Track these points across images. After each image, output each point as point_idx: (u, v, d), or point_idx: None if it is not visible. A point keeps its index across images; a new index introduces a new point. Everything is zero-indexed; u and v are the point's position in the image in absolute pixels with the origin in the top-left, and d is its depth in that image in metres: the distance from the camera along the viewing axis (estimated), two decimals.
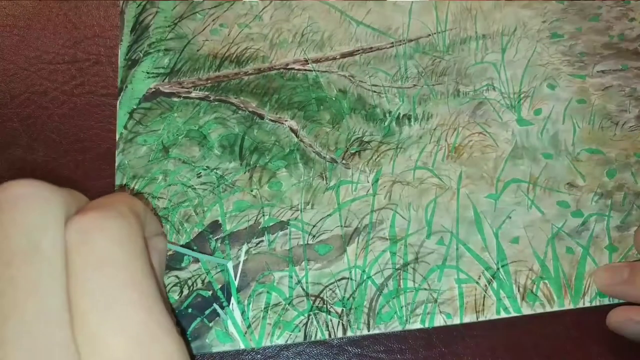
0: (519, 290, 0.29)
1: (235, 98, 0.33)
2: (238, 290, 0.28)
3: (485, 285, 0.29)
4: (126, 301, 0.15)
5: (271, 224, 0.30)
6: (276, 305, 0.28)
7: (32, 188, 0.16)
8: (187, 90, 0.33)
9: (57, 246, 0.15)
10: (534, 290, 0.29)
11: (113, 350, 0.14)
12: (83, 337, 0.15)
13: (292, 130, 0.32)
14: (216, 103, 0.33)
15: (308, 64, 0.34)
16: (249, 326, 0.27)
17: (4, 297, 0.14)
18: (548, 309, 0.28)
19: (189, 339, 0.27)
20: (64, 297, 0.15)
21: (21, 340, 0.14)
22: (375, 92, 0.34)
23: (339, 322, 0.28)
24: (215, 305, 0.27)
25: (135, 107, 0.32)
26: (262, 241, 0.29)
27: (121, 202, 0.18)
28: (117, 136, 0.31)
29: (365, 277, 0.29)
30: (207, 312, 0.27)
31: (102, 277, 0.15)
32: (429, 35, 0.36)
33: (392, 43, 0.35)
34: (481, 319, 0.28)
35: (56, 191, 0.16)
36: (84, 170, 0.31)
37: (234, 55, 0.34)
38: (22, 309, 0.14)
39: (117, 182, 0.30)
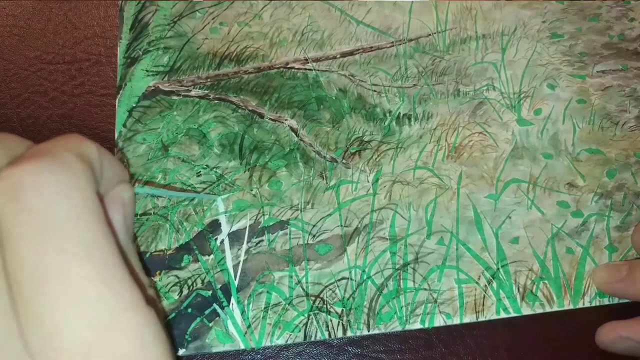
0: (518, 290, 0.29)
1: (235, 97, 0.33)
2: (238, 290, 0.28)
3: (485, 285, 0.29)
4: (76, 276, 0.12)
5: (271, 224, 0.29)
6: (276, 305, 0.28)
7: (55, 176, 0.13)
8: (186, 88, 0.33)
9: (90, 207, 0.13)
10: (534, 290, 0.29)
11: (68, 338, 0.12)
12: (30, 327, 0.12)
13: (292, 129, 0.32)
14: (216, 101, 0.32)
15: (308, 63, 0.34)
16: (249, 326, 0.27)
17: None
18: (548, 309, 0.28)
19: (189, 338, 0.27)
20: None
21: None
22: (375, 91, 0.34)
23: (339, 322, 0.27)
24: (215, 305, 0.27)
25: (134, 105, 0.32)
26: (262, 241, 0.29)
27: (66, 147, 0.14)
28: (116, 134, 0.31)
29: (365, 277, 0.28)
30: (207, 312, 0.27)
31: (42, 249, 0.12)
32: (429, 34, 0.36)
33: (392, 42, 0.35)
34: (481, 319, 0.28)
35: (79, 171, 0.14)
36: None
37: (234, 54, 0.34)
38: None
39: None
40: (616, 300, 0.29)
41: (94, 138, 0.32)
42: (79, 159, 0.14)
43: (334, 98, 0.33)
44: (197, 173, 0.30)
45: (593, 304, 0.29)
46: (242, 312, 0.27)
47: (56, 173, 0.13)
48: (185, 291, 0.28)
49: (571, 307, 0.29)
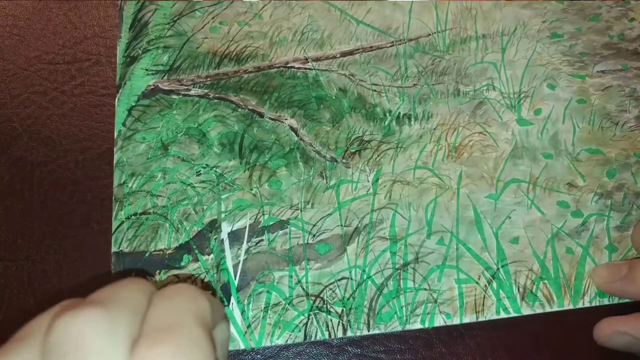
0: (518, 290, 0.29)
1: (235, 96, 0.33)
2: (238, 289, 0.28)
3: (485, 285, 0.29)
4: None
5: (271, 223, 0.29)
6: (276, 305, 0.27)
7: (90, 324, 0.15)
8: (186, 87, 0.33)
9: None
10: (534, 290, 0.29)
11: None
12: None
13: (292, 128, 0.32)
14: (216, 101, 0.32)
15: (308, 62, 0.34)
16: (248, 326, 0.27)
17: None
18: (548, 309, 0.28)
19: None
20: None
21: None
22: (375, 91, 0.33)
23: (339, 322, 0.27)
24: None
25: (134, 104, 0.32)
26: (262, 240, 0.29)
27: (189, 315, 0.16)
28: (116, 133, 0.31)
29: (365, 277, 0.28)
30: None
31: None
32: (429, 34, 0.36)
33: (392, 42, 0.35)
34: (481, 319, 0.28)
35: (115, 319, 0.15)
36: (83, 170, 0.31)
37: (234, 53, 0.34)
38: None
39: (116, 180, 0.30)
40: (616, 300, 0.29)
41: (93, 138, 0.32)
42: (203, 330, 0.16)
43: (334, 97, 0.33)
44: (196, 172, 0.30)
45: (593, 304, 0.29)
46: (242, 312, 0.27)
47: (191, 356, 0.15)
48: None
49: (571, 307, 0.29)
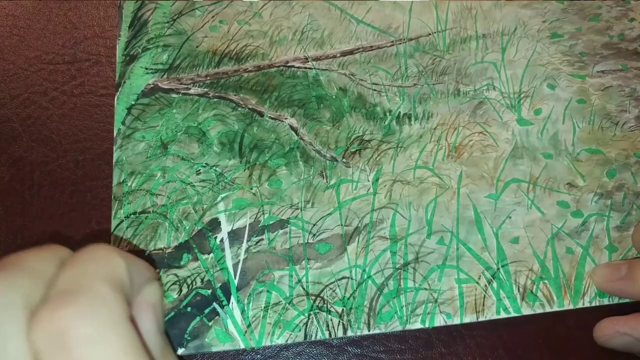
0: (518, 290, 0.29)
1: (235, 95, 0.33)
2: (238, 289, 0.28)
3: (486, 285, 0.29)
4: None
5: (271, 223, 0.29)
6: (276, 304, 0.27)
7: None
8: (186, 86, 0.32)
9: (20, 353, 0.14)
10: (534, 290, 0.29)
11: None
12: None
13: (292, 128, 0.32)
14: (215, 100, 0.32)
15: (308, 61, 0.34)
16: (248, 325, 0.27)
17: None
18: (548, 309, 0.28)
19: (188, 338, 0.26)
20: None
21: None
22: (375, 90, 0.33)
23: (339, 321, 0.27)
24: (215, 304, 0.27)
25: (133, 102, 0.32)
26: (262, 240, 0.29)
27: (98, 274, 0.15)
28: (115, 132, 0.31)
29: (365, 276, 0.28)
30: (206, 311, 0.27)
31: None
32: (429, 34, 0.36)
33: (393, 42, 0.35)
34: (481, 319, 0.28)
35: (12, 283, 0.15)
36: (83, 170, 0.31)
37: (234, 52, 0.34)
38: None
39: (115, 178, 0.30)
40: (616, 300, 0.29)
41: (93, 138, 0.32)
42: (113, 290, 0.15)
43: (334, 97, 0.33)
44: (196, 171, 0.30)
45: (593, 304, 0.29)
46: (242, 312, 0.27)
47: (96, 316, 0.14)
48: (184, 290, 0.27)
49: (571, 307, 0.29)
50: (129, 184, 0.30)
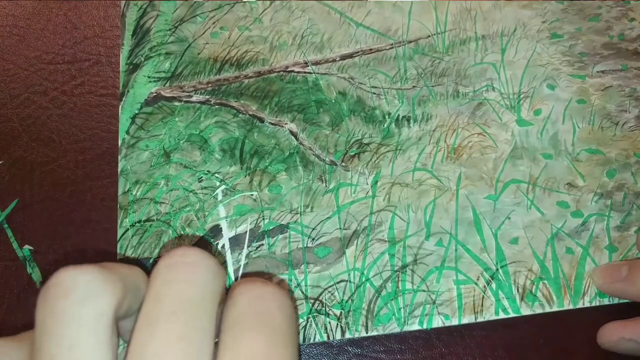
0: (518, 290, 0.29)
1: (236, 101, 0.33)
2: None
3: (484, 286, 0.29)
4: None
5: (271, 228, 0.30)
6: None
7: (202, 257, 0.16)
8: (188, 94, 0.33)
9: (212, 309, 0.15)
10: (533, 290, 0.29)
11: None
12: None
13: (291, 133, 0.32)
14: (217, 107, 0.33)
15: (308, 66, 0.34)
16: None
17: (154, 345, 0.14)
18: (547, 309, 0.29)
19: None
20: (209, 353, 0.15)
21: None
22: (374, 93, 0.34)
23: (337, 324, 0.28)
24: None
25: (137, 112, 0.32)
26: (262, 245, 0.29)
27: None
28: (120, 141, 0.32)
29: (364, 279, 0.29)
30: None
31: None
32: (429, 36, 0.36)
33: (392, 44, 0.35)
34: (480, 320, 0.28)
35: (221, 268, 0.16)
36: (83, 170, 0.31)
37: (234, 59, 0.34)
38: (169, 356, 0.14)
39: (120, 187, 0.30)
40: (616, 300, 0.29)
41: (93, 138, 0.32)
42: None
43: (333, 101, 0.33)
44: (198, 179, 0.31)
45: (593, 304, 0.29)
46: None
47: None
48: None
49: (571, 307, 0.29)
50: (134, 192, 0.30)
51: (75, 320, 0.14)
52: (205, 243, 0.29)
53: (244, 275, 0.29)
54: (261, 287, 0.17)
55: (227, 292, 0.17)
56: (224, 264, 0.29)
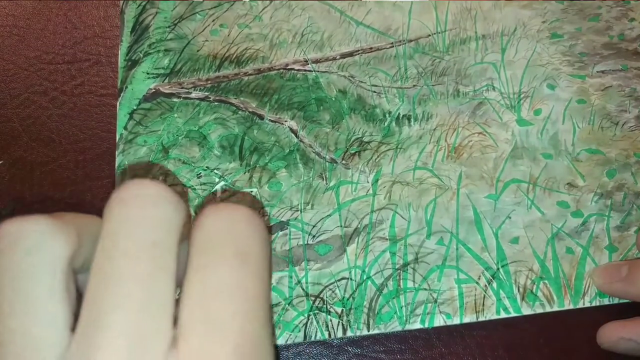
0: (518, 290, 0.29)
1: (235, 98, 0.33)
2: None
3: (485, 285, 0.29)
4: (250, 302, 0.14)
5: (271, 224, 0.30)
6: (276, 305, 0.28)
7: (165, 192, 0.15)
8: (187, 90, 0.33)
9: (173, 246, 0.15)
10: (534, 290, 0.29)
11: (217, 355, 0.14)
12: (197, 321, 0.14)
13: (291, 130, 0.32)
14: (216, 103, 0.33)
15: (308, 64, 0.34)
16: None
17: (114, 287, 0.13)
18: (548, 309, 0.29)
19: None
20: (171, 292, 0.14)
21: (124, 327, 0.13)
22: (375, 92, 0.34)
23: (338, 322, 0.28)
24: None
25: (135, 107, 0.32)
26: None
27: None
28: (117, 137, 0.31)
29: (365, 277, 0.29)
30: None
31: (239, 277, 0.14)
32: (429, 35, 0.36)
33: (392, 43, 0.35)
34: (481, 319, 0.28)
35: (181, 200, 0.15)
36: (83, 170, 0.31)
37: (234, 56, 0.34)
38: (129, 299, 0.13)
39: (117, 183, 0.30)
40: (616, 300, 0.29)
41: (94, 138, 0.32)
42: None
43: (333, 99, 0.33)
44: (197, 175, 0.31)
45: (593, 304, 0.29)
46: None
47: (257, 219, 0.16)
48: None
49: (571, 307, 0.29)
50: None
51: (25, 271, 0.14)
52: None
53: None
54: (230, 209, 0.15)
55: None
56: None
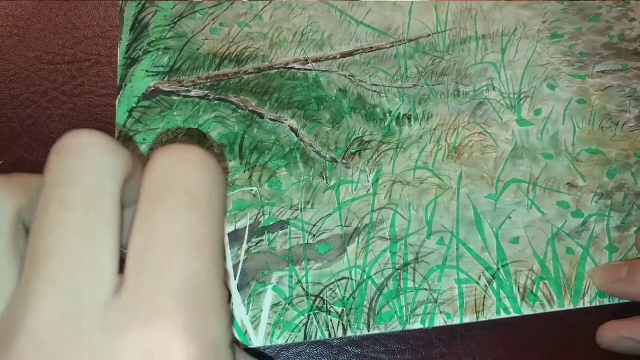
0: (518, 290, 0.29)
1: (235, 97, 0.33)
2: (238, 289, 0.28)
3: (485, 285, 0.29)
4: (198, 243, 0.14)
5: (271, 223, 0.29)
6: (276, 305, 0.28)
7: (102, 139, 0.14)
8: (186, 88, 0.33)
9: (112, 194, 0.14)
10: (534, 290, 0.29)
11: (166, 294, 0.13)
12: (142, 261, 0.13)
13: (292, 129, 0.32)
14: (216, 102, 0.32)
15: (308, 63, 0.34)
16: (249, 326, 0.27)
17: (47, 237, 0.13)
18: (548, 309, 0.28)
19: None
20: (112, 241, 0.14)
21: (58, 276, 0.13)
22: (375, 91, 0.34)
23: (339, 322, 0.27)
24: None
25: (134, 105, 0.32)
26: (262, 240, 0.29)
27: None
28: (116, 134, 0.31)
29: (365, 276, 0.28)
30: None
31: (187, 220, 0.14)
32: (429, 35, 0.36)
33: (392, 43, 0.35)
34: (481, 319, 0.28)
35: (121, 147, 0.15)
36: None
37: (234, 54, 0.34)
38: (62, 248, 0.13)
39: None
40: (616, 300, 0.29)
41: None
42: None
43: (333, 98, 0.33)
44: None
45: (593, 304, 0.29)
46: (242, 312, 0.27)
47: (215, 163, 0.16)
48: None
49: (571, 307, 0.29)
50: None
51: None
52: None
53: (244, 270, 0.28)
54: (180, 150, 0.15)
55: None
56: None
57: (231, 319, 0.14)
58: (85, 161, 0.14)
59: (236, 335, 0.27)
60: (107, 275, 0.13)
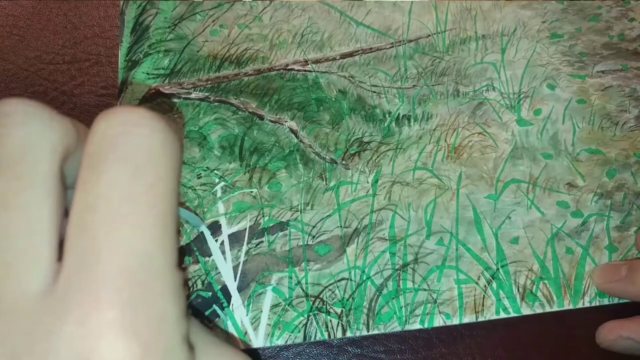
0: (518, 290, 0.29)
1: (235, 99, 0.33)
2: (238, 290, 0.28)
3: (485, 285, 0.29)
4: (142, 218, 0.12)
5: (271, 225, 0.30)
6: (276, 305, 0.28)
7: (33, 107, 0.14)
8: (187, 91, 0.33)
9: (45, 164, 0.13)
10: (534, 290, 0.29)
11: (107, 268, 0.12)
12: (78, 242, 0.12)
13: (291, 131, 0.32)
14: (216, 104, 0.33)
15: (308, 64, 0.34)
16: (251, 326, 0.27)
17: None
18: (548, 309, 0.29)
19: None
20: (46, 212, 0.13)
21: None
22: (375, 92, 0.34)
23: (338, 322, 0.28)
24: (215, 307, 0.28)
25: None
26: (261, 242, 0.29)
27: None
28: None
29: (364, 277, 0.29)
30: (207, 313, 0.27)
31: (130, 184, 0.13)
32: (429, 35, 0.36)
33: (392, 43, 0.35)
34: (480, 319, 0.28)
35: (60, 116, 0.14)
36: None
37: (234, 56, 0.34)
38: (4, 223, 0.12)
39: None
40: (616, 300, 0.29)
41: None
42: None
43: (333, 99, 0.33)
44: (197, 175, 0.31)
45: (593, 304, 0.29)
46: (243, 313, 0.27)
47: (165, 124, 0.14)
48: (185, 292, 0.28)
49: (571, 307, 0.29)
50: None
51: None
52: (204, 239, 0.29)
53: (244, 272, 0.29)
54: (124, 112, 0.14)
55: None
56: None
57: (186, 306, 0.12)
58: (13, 130, 0.13)
59: (236, 336, 0.27)
60: (44, 249, 0.12)
